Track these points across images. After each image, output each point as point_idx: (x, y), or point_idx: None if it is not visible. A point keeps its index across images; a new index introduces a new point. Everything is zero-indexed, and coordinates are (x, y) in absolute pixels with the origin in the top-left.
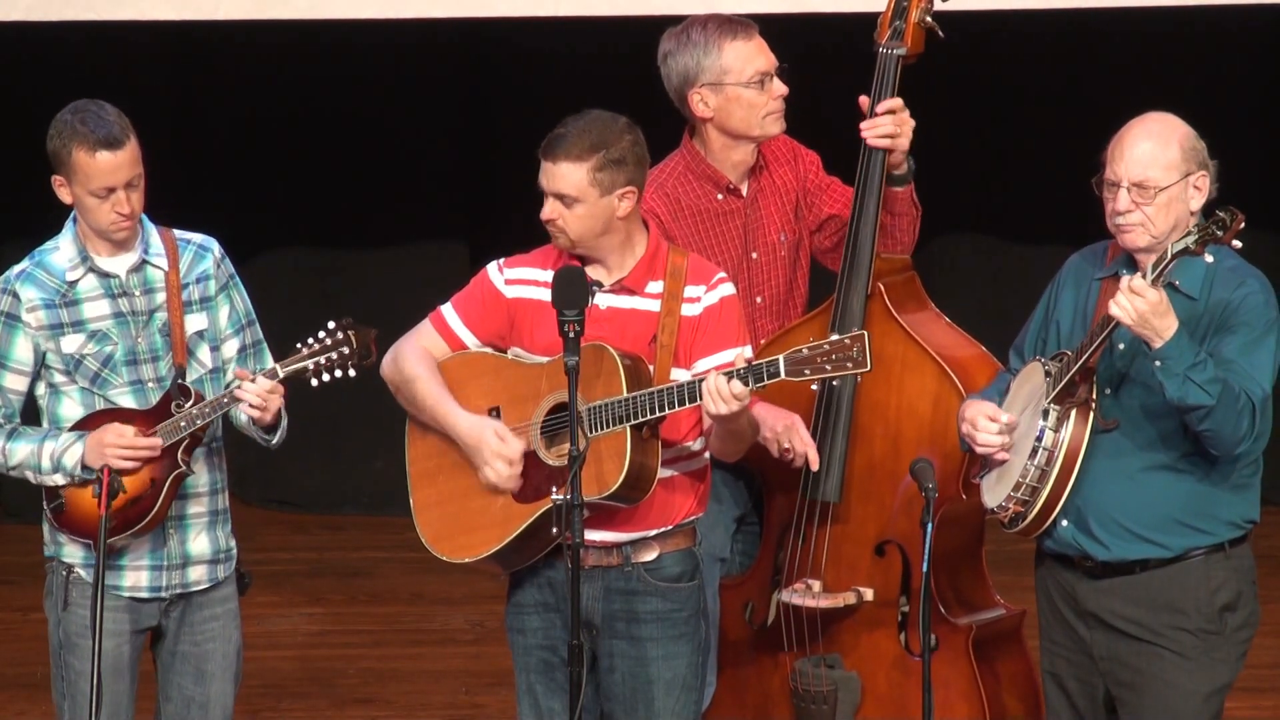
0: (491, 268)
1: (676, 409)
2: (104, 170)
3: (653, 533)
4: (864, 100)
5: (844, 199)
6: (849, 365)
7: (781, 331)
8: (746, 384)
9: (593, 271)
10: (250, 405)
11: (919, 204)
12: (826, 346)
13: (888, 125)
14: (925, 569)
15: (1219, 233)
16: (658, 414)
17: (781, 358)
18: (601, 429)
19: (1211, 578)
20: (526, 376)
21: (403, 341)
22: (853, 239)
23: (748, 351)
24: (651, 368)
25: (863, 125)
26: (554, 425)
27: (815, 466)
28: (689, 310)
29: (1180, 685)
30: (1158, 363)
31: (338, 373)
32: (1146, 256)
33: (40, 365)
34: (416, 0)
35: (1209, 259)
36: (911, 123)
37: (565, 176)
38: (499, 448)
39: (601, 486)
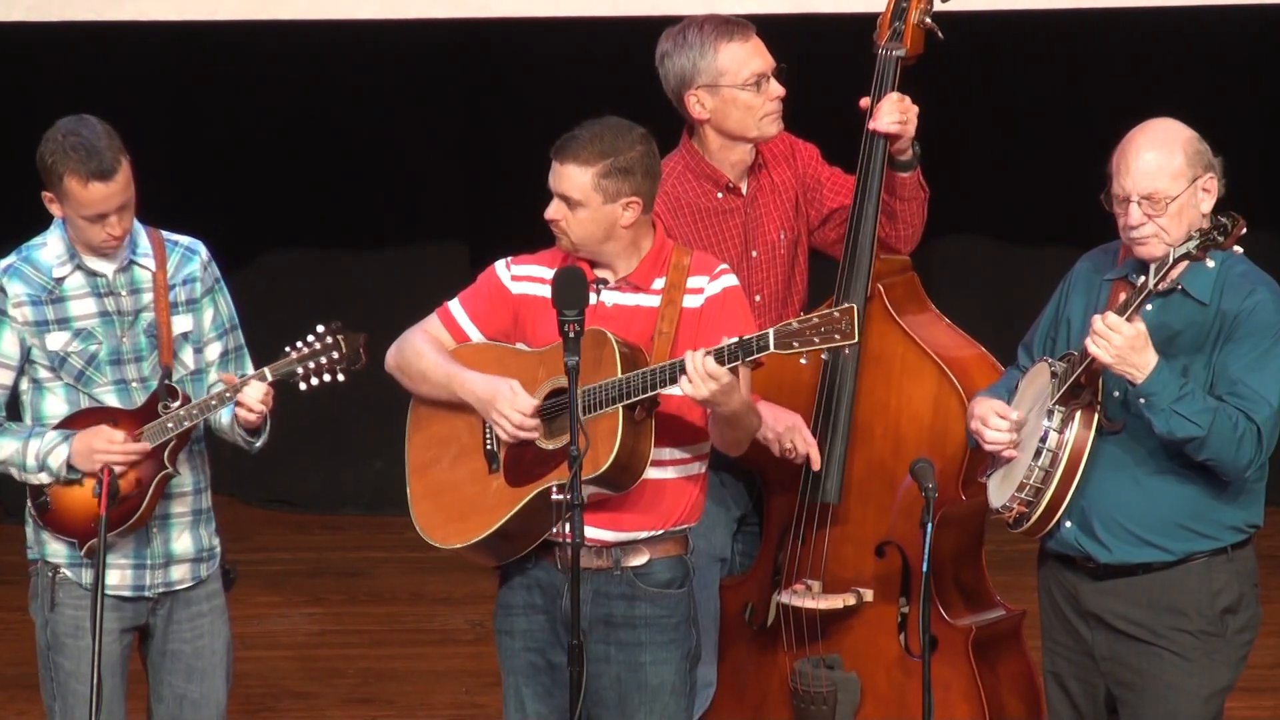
0: (499, 265)
1: (668, 389)
2: (96, 200)
3: (644, 535)
4: (864, 102)
5: (848, 190)
6: (837, 337)
7: None
8: (738, 358)
9: (598, 270)
10: (250, 409)
11: (926, 187)
12: (815, 319)
13: (895, 112)
14: (925, 569)
15: (1220, 238)
16: (649, 393)
17: (771, 330)
18: (594, 410)
19: (1213, 580)
20: (525, 363)
21: (408, 332)
22: (852, 241)
23: None
24: (650, 358)
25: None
26: (551, 410)
27: (816, 466)
28: (691, 301)
29: (1180, 686)
30: (1142, 400)
31: (326, 377)
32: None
33: (25, 360)
34: (416, 0)
35: (1210, 264)
36: (915, 108)
37: (571, 179)
38: (513, 399)
39: (592, 467)
